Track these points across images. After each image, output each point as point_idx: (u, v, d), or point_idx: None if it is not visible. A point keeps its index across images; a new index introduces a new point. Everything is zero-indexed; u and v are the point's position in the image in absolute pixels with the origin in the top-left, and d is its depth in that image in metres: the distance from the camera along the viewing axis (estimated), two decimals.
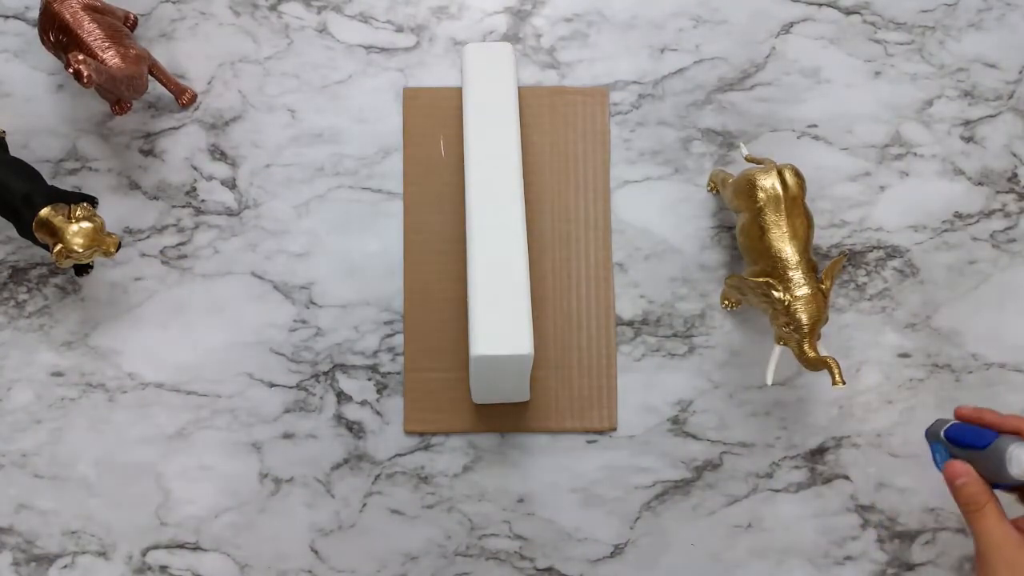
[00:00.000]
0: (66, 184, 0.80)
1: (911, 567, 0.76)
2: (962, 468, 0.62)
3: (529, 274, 0.69)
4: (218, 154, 0.81)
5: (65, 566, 0.76)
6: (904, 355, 0.78)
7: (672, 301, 0.79)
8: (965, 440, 0.64)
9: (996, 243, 0.80)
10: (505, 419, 0.77)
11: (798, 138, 0.81)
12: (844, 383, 0.66)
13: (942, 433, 0.66)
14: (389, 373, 0.78)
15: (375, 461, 0.77)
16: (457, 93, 0.81)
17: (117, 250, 0.71)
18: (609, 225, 0.80)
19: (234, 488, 0.77)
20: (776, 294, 0.67)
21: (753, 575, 0.76)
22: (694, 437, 0.77)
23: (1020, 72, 0.82)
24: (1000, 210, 0.80)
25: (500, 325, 0.67)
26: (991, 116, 0.81)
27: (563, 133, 0.81)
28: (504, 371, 0.69)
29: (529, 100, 0.81)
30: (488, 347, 0.66)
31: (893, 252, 0.80)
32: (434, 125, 0.81)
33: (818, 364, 0.66)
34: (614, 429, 0.77)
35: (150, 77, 0.78)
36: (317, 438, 0.77)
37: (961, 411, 0.67)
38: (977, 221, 0.80)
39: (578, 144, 0.81)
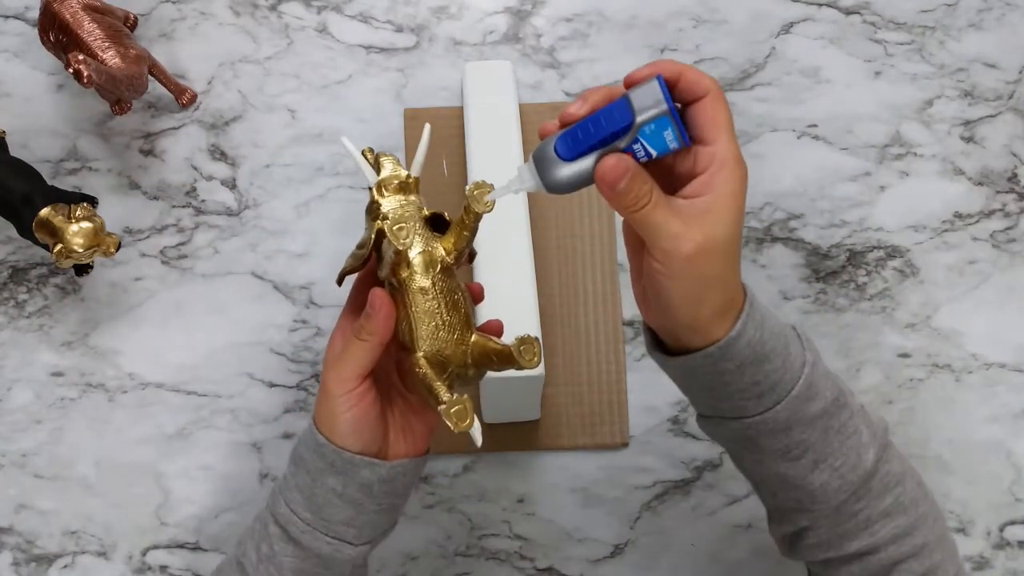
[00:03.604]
0: (66, 184, 0.80)
1: None
2: (619, 165, 0.48)
3: (537, 292, 0.69)
4: (218, 154, 0.81)
5: (65, 566, 0.76)
6: (904, 355, 0.78)
7: None
8: (586, 143, 0.48)
9: (996, 243, 0.80)
10: (515, 439, 0.77)
11: (798, 138, 0.81)
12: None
13: (555, 150, 0.49)
14: None
15: None
16: (458, 112, 0.80)
17: (117, 250, 0.71)
18: (615, 239, 0.79)
19: (234, 488, 0.77)
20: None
21: (753, 575, 0.76)
22: (694, 437, 0.77)
23: (1020, 72, 0.82)
24: (1000, 210, 0.80)
25: None
26: (991, 116, 0.81)
27: None
28: (515, 392, 0.69)
29: (531, 116, 0.80)
30: None
31: (893, 252, 0.80)
32: (436, 145, 0.80)
33: None
34: (626, 445, 0.77)
35: (150, 77, 0.78)
36: None
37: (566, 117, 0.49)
38: (977, 221, 0.80)
39: None
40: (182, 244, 0.80)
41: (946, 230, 0.80)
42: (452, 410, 0.53)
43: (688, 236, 0.48)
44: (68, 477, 0.77)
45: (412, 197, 0.57)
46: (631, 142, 0.48)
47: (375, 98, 0.82)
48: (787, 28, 0.82)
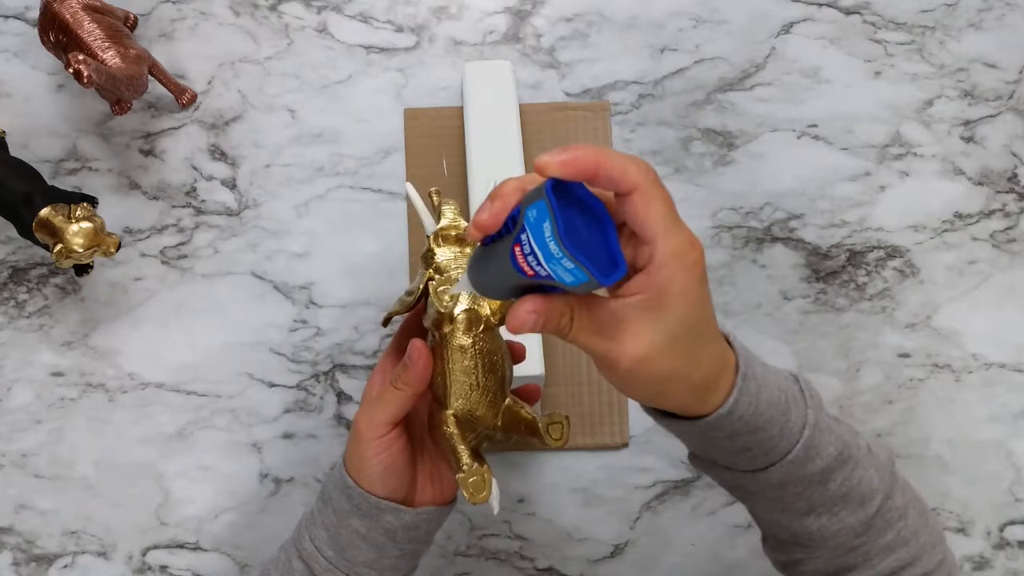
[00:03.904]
0: (66, 184, 0.80)
1: None
2: (516, 317, 0.44)
3: None
4: (218, 154, 0.81)
5: (65, 566, 0.76)
6: (904, 355, 0.78)
7: None
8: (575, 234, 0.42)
9: (996, 243, 0.80)
10: (515, 439, 0.76)
11: (798, 138, 0.81)
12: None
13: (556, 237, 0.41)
14: None
15: None
16: (458, 112, 0.80)
17: (117, 250, 0.71)
18: None
19: (234, 488, 0.77)
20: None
21: (753, 575, 0.76)
22: None
23: (1020, 72, 0.82)
24: (1000, 210, 0.80)
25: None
26: (991, 116, 0.81)
27: None
28: None
29: (531, 116, 0.80)
30: None
31: (893, 252, 0.80)
32: (436, 145, 0.81)
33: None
34: (626, 445, 0.77)
35: (150, 77, 0.78)
36: (317, 438, 0.77)
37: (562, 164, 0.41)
38: (977, 221, 0.80)
39: None
40: (182, 244, 0.80)
41: (946, 230, 0.80)
42: (469, 480, 0.53)
43: (622, 352, 0.43)
44: (68, 477, 0.77)
45: (468, 249, 0.55)
46: (519, 232, 0.42)
47: (375, 98, 0.82)
48: (787, 28, 0.82)
